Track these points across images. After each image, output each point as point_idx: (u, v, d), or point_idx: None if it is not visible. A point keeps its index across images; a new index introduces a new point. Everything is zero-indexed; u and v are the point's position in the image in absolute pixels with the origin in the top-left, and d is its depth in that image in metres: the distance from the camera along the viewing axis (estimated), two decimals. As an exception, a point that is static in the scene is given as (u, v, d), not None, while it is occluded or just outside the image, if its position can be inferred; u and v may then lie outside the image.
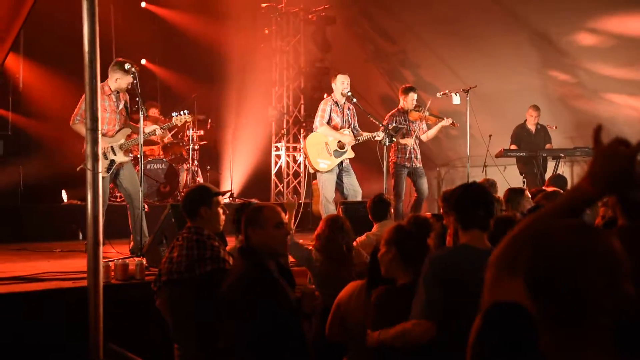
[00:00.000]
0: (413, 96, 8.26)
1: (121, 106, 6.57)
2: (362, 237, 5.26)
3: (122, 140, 6.50)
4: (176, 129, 9.95)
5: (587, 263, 1.37)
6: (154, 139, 9.32)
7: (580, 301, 1.37)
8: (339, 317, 3.59)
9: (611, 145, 1.58)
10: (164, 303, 3.84)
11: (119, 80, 6.42)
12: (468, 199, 3.05)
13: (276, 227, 3.40)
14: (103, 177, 6.30)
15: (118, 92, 6.53)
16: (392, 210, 5.28)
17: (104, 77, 6.17)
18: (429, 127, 8.46)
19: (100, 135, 3.76)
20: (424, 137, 8.41)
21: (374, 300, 3.20)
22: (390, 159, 8.21)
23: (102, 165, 6.21)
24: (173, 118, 6.94)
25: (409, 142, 8.16)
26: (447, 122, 8.18)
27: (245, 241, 3.44)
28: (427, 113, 8.23)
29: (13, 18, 4.75)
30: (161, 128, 6.89)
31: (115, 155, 6.46)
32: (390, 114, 8.35)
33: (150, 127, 6.69)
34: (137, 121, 6.37)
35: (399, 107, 8.35)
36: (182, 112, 6.91)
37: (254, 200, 11.11)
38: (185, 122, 7.07)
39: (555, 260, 1.40)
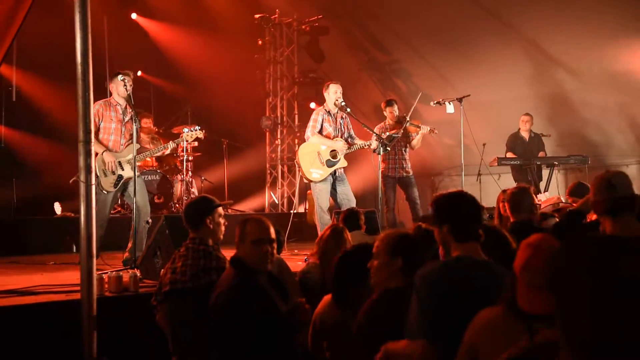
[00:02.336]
0: (391, 109, 8.53)
1: (127, 119, 6.60)
2: None
3: (130, 156, 6.47)
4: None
5: (606, 283, 1.27)
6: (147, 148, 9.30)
7: (590, 325, 1.28)
8: (317, 333, 3.46)
9: None
10: (165, 316, 3.81)
11: (116, 89, 6.54)
12: (463, 211, 2.83)
13: (254, 243, 3.35)
14: (109, 192, 6.38)
15: (126, 105, 6.58)
16: (363, 220, 5.32)
17: (97, 88, 6.12)
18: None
19: (93, 148, 3.75)
20: (413, 146, 8.51)
21: (370, 306, 3.01)
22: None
23: (109, 180, 6.35)
24: (184, 134, 7.00)
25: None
26: (425, 129, 8.23)
27: (236, 252, 3.43)
28: (407, 123, 8.27)
29: (6, 28, 4.73)
30: (174, 142, 6.99)
31: (123, 170, 6.49)
32: (377, 127, 8.46)
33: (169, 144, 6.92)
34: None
35: (387, 120, 8.58)
36: (193, 129, 6.98)
37: (246, 211, 11.13)
38: (197, 137, 7.17)
39: (574, 279, 1.31)
